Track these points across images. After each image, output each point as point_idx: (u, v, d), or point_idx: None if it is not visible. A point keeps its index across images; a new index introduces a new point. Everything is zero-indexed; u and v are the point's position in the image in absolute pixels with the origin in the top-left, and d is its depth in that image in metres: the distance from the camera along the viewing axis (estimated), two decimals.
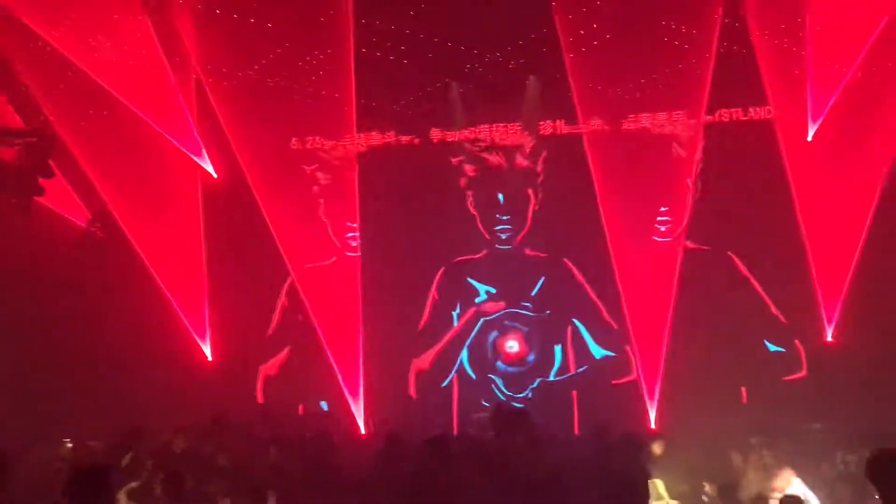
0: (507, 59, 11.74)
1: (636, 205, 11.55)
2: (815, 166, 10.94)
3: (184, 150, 11.93)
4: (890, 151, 10.76)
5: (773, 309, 11.77)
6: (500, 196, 12.60)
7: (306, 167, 12.75)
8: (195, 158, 12.05)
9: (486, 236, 12.60)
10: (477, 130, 12.62)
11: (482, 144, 12.55)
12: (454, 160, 12.69)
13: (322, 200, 12.70)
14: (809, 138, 11.08)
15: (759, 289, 11.81)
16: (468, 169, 12.66)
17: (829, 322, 11.16)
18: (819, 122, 11.01)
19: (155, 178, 11.71)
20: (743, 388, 11.29)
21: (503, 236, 12.52)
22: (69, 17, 10.70)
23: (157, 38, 11.18)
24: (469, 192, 12.65)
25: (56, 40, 10.74)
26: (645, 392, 11.19)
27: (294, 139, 12.71)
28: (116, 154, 11.58)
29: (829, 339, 11.22)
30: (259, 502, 6.12)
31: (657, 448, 8.08)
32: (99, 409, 10.47)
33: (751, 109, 11.92)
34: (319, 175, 12.74)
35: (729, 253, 11.98)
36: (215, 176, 12.20)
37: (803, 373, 11.46)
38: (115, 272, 11.99)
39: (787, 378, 11.51)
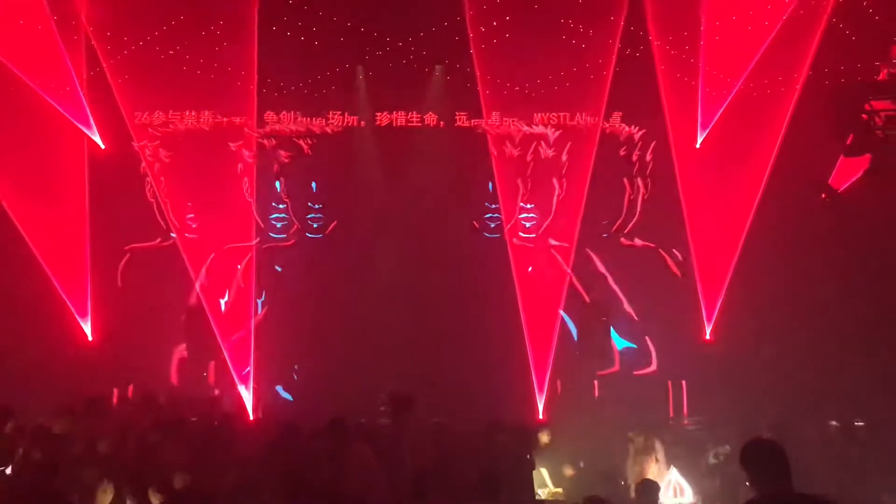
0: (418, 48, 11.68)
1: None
2: (702, 172, 11.46)
3: (71, 118, 11.37)
4: (769, 162, 11.37)
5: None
6: None
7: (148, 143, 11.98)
8: (82, 128, 11.51)
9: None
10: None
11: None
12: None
13: (150, 181, 12.09)
14: (698, 145, 11.63)
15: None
16: None
17: (709, 321, 11.69)
18: (707, 130, 11.56)
19: (38, 147, 11.11)
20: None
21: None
22: None
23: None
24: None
25: None
26: (535, 384, 11.45)
27: (137, 113, 11.92)
28: None
29: (708, 337, 11.77)
30: (141, 488, 5.88)
31: (544, 437, 8.34)
32: None
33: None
34: (149, 153, 12.07)
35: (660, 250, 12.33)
36: (103, 147, 11.69)
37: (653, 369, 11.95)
38: None
39: (637, 373, 12.00)
